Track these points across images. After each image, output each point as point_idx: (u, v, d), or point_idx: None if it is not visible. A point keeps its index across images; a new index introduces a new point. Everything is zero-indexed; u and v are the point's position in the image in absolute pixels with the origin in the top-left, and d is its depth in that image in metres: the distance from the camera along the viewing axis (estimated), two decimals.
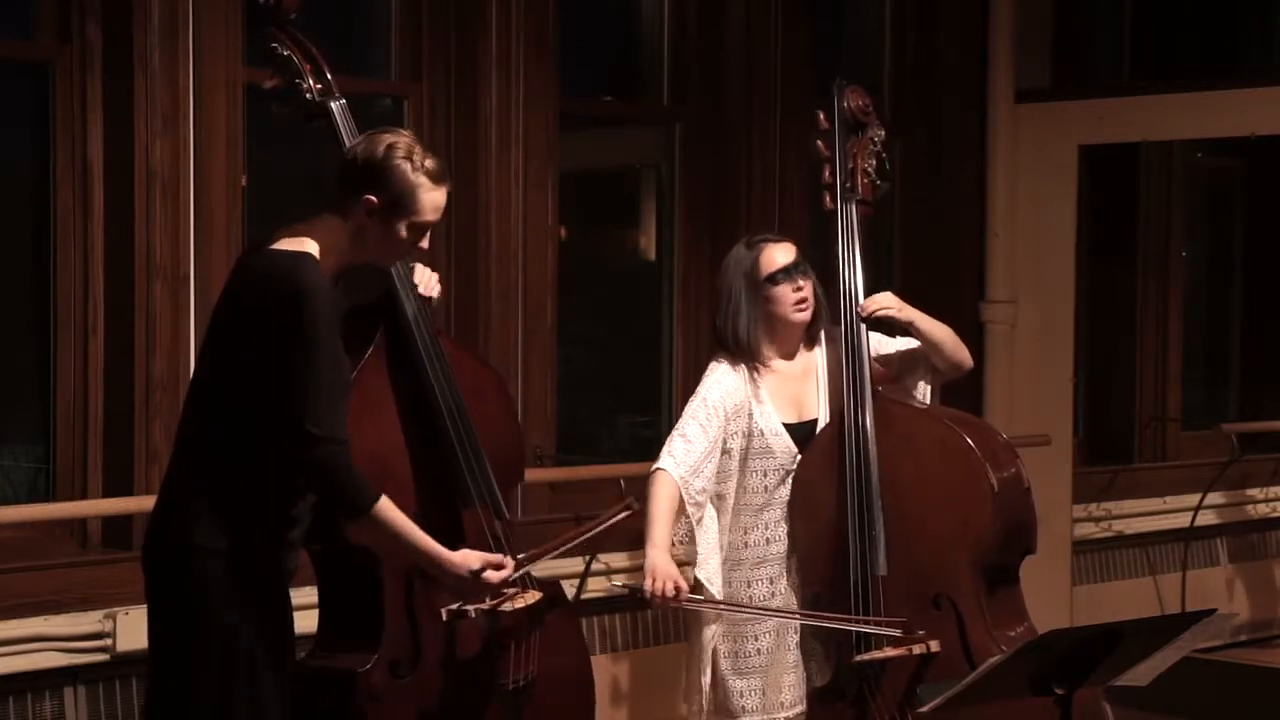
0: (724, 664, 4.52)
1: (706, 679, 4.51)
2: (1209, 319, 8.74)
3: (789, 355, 4.57)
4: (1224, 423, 8.13)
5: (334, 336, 3.53)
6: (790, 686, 4.53)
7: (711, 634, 4.51)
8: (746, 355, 4.50)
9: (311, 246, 3.57)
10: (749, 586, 4.52)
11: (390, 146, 3.59)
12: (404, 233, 3.59)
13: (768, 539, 4.54)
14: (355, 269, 3.72)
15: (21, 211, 5.04)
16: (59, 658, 4.65)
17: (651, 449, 6.35)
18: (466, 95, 5.64)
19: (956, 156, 7.10)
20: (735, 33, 6.35)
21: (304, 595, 3.95)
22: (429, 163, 3.60)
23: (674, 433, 4.48)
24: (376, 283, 4.01)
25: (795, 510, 4.52)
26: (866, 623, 4.32)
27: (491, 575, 3.72)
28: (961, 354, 4.60)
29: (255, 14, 4.00)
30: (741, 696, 4.51)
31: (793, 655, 4.52)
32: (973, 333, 7.09)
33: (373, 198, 3.56)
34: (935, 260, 7.08)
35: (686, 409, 4.50)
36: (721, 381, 4.48)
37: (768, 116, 6.38)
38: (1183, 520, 7.64)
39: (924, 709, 3.71)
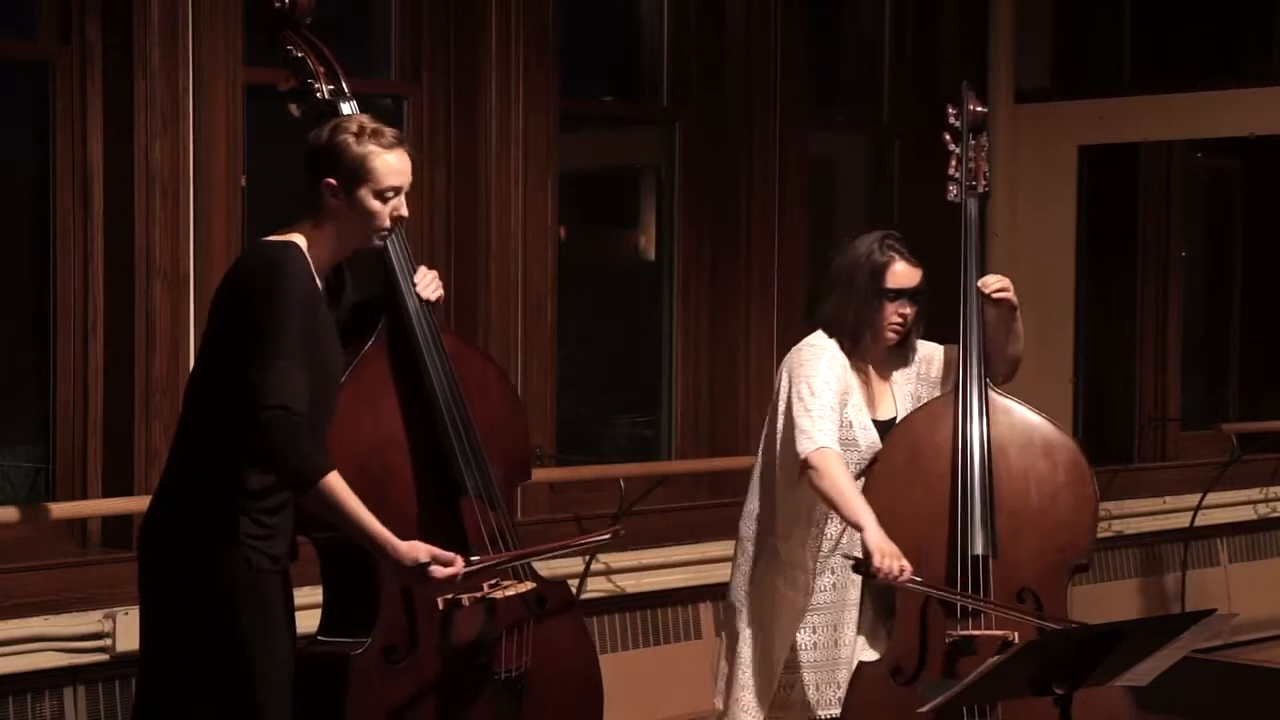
0: (804, 655, 4.49)
1: (779, 666, 4.49)
2: (1209, 319, 8.74)
3: (879, 355, 4.59)
4: (1224, 423, 8.13)
5: (303, 316, 3.56)
6: (844, 683, 4.51)
7: (786, 626, 4.48)
8: (852, 344, 4.50)
9: (298, 239, 3.66)
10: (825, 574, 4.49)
11: (335, 128, 3.68)
12: (371, 202, 3.65)
13: (843, 530, 4.52)
14: (359, 257, 3.79)
15: (21, 211, 5.04)
16: (59, 658, 4.65)
17: (651, 449, 6.39)
18: (466, 95, 5.64)
19: None
20: (735, 33, 6.36)
21: (305, 595, 3.94)
22: (374, 129, 3.68)
23: (807, 412, 4.34)
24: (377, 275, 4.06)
25: (873, 493, 4.38)
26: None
27: (437, 570, 3.64)
28: (1020, 352, 4.65)
29: (271, 17, 4.04)
30: (813, 688, 4.50)
31: (846, 651, 4.51)
32: None
33: (331, 179, 3.65)
34: (935, 260, 7.07)
35: (807, 388, 4.38)
36: (834, 364, 4.44)
37: (768, 116, 6.38)
38: (1183, 520, 7.63)
39: (925, 708, 3.71)
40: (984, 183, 4.90)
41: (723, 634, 4.67)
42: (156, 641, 3.67)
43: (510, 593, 3.96)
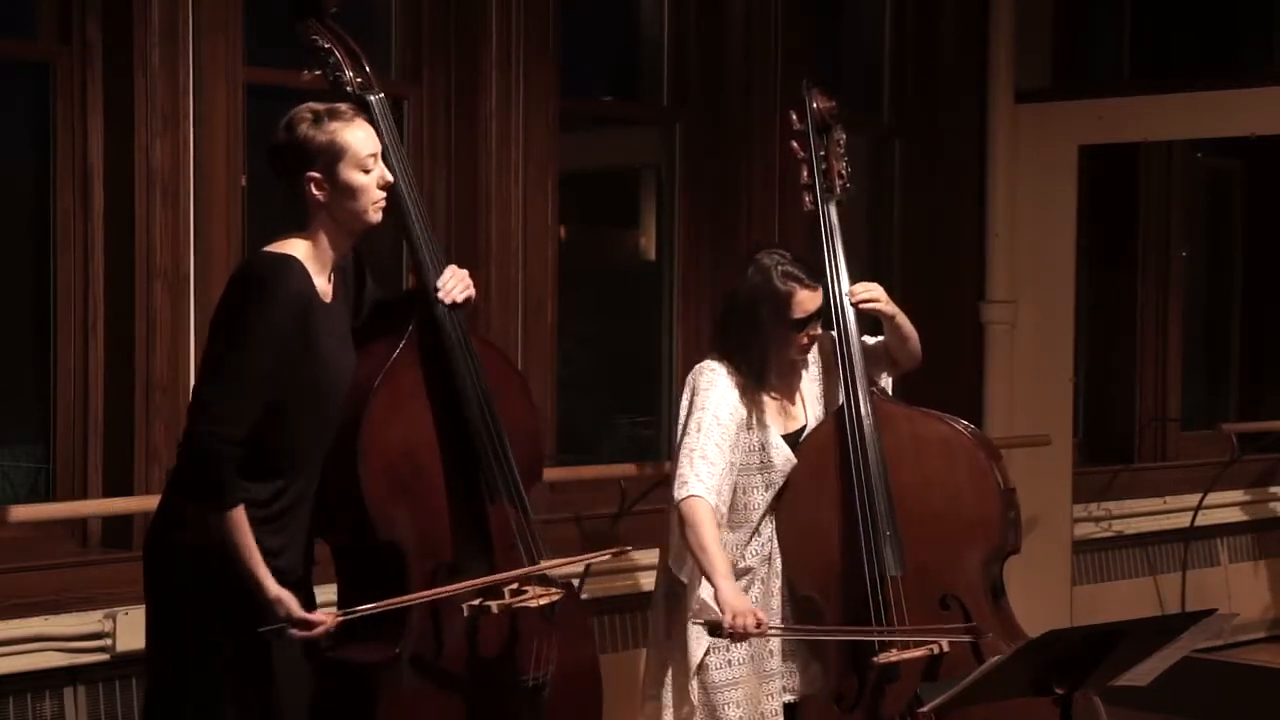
0: (713, 675, 4.48)
1: (694, 689, 4.48)
2: (1209, 319, 8.74)
3: (784, 375, 4.56)
4: (1224, 423, 8.13)
5: (272, 342, 3.54)
6: (773, 695, 4.51)
7: (704, 644, 4.47)
8: (754, 373, 4.47)
9: (297, 247, 3.65)
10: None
11: (288, 126, 3.67)
12: (357, 177, 3.66)
13: (765, 550, 4.51)
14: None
15: (21, 211, 5.04)
16: (59, 658, 4.65)
17: (651, 449, 6.39)
18: (466, 95, 5.64)
19: (957, 156, 7.10)
20: (735, 33, 6.35)
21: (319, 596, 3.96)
22: (328, 109, 3.68)
23: (690, 453, 4.34)
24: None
25: (784, 515, 4.48)
26: (945, 632, 4.32)
27: (293, 633, 3.60)
28: (919, 348, 4.66)
29: (295, 6, 3.99)
30: (738, 707, 4.47)
31: (774, 662, 4.50)
32: (973, 333, 7.09)
33: (311, 172, 3.63)
34: (935, 260, 7.08)
35: (696, 423, 4.38)
36: (726, 396, 4.42)
37: (768, 116, 6.37)
38: (1183, 520, 7.64)
39: (924, 708, 3.71)
40: (842, 183, 4.70)
41: (655, 650, 4.62)
42: (160, 647, 3.70)
43: (544, 601, 3.95)
